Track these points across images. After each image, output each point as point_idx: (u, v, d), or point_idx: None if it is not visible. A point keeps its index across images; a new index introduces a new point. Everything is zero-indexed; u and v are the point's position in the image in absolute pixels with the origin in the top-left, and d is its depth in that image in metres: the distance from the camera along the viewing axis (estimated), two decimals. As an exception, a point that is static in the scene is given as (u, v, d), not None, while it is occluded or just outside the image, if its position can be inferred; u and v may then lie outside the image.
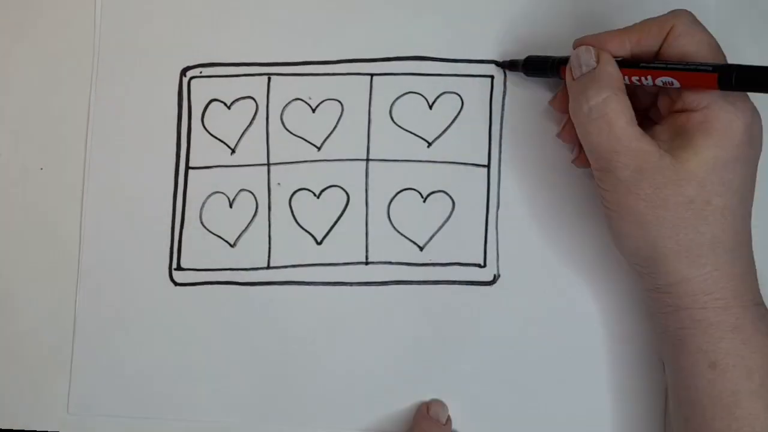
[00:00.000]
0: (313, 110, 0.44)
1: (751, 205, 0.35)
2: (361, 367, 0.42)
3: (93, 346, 0.43)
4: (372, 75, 0.43)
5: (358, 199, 0.43)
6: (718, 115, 0.33)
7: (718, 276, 0.33)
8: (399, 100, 0.43)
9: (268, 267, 0.43)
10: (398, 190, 0.43)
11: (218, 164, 0.44)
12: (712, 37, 0.35)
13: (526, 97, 0.43)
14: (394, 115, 0.43)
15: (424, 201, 0.43)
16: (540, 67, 0.40)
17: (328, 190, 0.43)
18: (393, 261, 0.42)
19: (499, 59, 0.43)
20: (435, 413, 0.40)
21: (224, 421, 0.42)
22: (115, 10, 0.45)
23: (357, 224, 0.43)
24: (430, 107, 0.43)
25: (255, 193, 0.44)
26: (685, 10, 0.35)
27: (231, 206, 0.44)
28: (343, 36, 0.44)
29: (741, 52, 0.42)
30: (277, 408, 0.42)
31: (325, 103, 0.44)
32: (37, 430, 0.43)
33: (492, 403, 0.41)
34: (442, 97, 0.43)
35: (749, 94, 0.34)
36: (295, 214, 0.43)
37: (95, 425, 0.43)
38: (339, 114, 0.43)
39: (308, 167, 0.43)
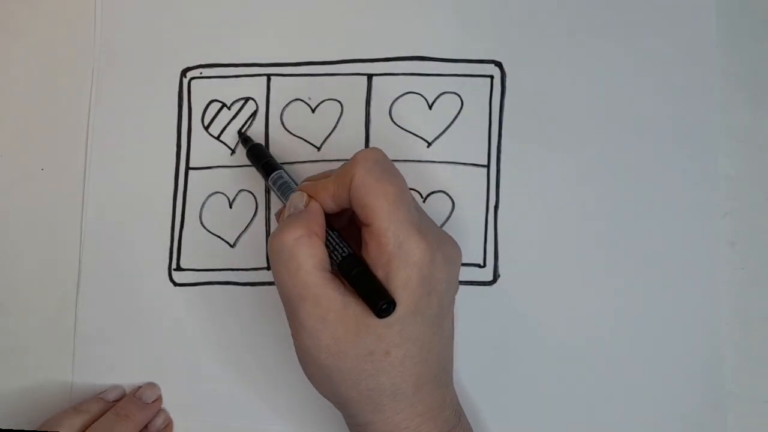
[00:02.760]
0: (313, 110, 0.44)
1: (447, 337, 0.35)
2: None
3: (93, 346, 0.43)
4: (371, 75, 0.43)
5: (357, 199, 0.43)
6: (396, 274, 0.32)
7: (400, 419, 0.34)
8: (399, 100, 0.43)
9: (268, 267, 0.43)
10: (398, 190, 0.43)
11: (218, 164, 0.44)
12: (390, 184, 0.33)
13: (526, 97, 0.43)
14: (393, 115, 0.43)
15: (424, 201, 0.43)
16: (257, 160, 0.41)
17: (327, 190, 0.43)
18: (393, 261, 0.42)
19: (499, 60, 0.43)
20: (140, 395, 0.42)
21: (224, 420, 0.42)
22: (115, 10, 0.46)
23: (357, 224, 0.43)
24: (430, 107, 0.43)
25: (255, 194, 0.44)
26: (366, 154, 0.34)
27: (231, 206, 0.44)
28: (343, 36, 0.44)
29: (741, 52, 0.42)
30: (277, 408, 0.42)
31: (324, 103, 0.44)
32: (39, 430, 0.43)
33: (492, 403, 0.41)
34: (441, 97, 0.43)
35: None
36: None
37: (96, 425, 0.43)
38: (339, 114, 0.43)
39: (308, 167, 0.43)
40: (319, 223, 0.34)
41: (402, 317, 0.33)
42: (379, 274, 0.33)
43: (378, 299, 0.32)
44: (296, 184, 0.39)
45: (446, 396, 0.35)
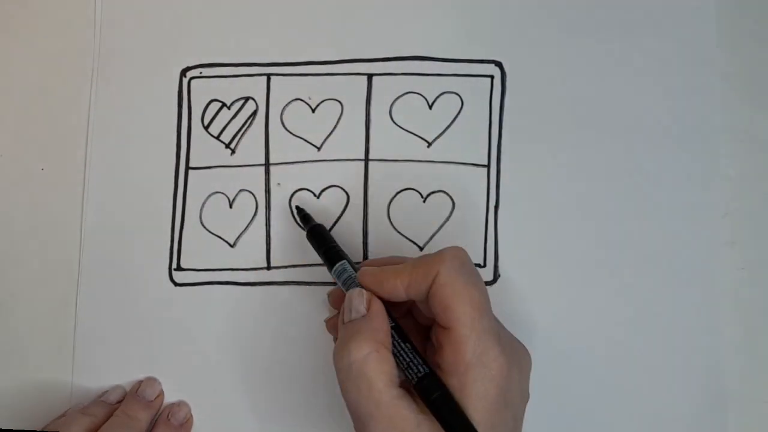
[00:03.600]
0: (313, 110, 0.44)
1: None
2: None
3: (93, 346, 0.43)
4: (372, 75, 0.43)
5: (357, 200, 0.43)
6: (473, 386, 0.31)
7: None
8: (399, 100, 0.43)
9: (268, 267, 0.43)
10: (398, 190, 0.43)
11: (218, 164, 0.44)
12: (475, 288, 0.32)
13: (526, 97, 0.43)
14: (393, 115, 0.43)
15: (424, 201, 0.43)
16: (318, 245, 0.39)
17: (328, 190, 0.43)
18: (393, 261, 0.42)
19: (499, 60, 0.43)
20: (142, 392, 0.42)
21: (224, 421, 0.42)
22: (115, 9, 0.46)
23: (357, 224, 0.43)
24: (430, 107, 0.43)
25: (255, 193, 0.44)
26: (455, 253, 0.34)
27: (231, 206, 0.44)
28: (343, 36, 0.44)
29: (741, 52, 0.42)
30: (277, 408, 0.42)
31: (324, 103, 0.44)
32: (39, 430, 0.43)
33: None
34: (442, 97, 0.43)
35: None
36: (294, 214, 0.43)
37: (96, 425, 0.43)
38: (339, 114, 0.43)
39: (308, 167, 0.43)
40: (385, 331, 0.33)
41: None
42: (453, 382, 0.32)
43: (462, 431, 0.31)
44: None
45: None
